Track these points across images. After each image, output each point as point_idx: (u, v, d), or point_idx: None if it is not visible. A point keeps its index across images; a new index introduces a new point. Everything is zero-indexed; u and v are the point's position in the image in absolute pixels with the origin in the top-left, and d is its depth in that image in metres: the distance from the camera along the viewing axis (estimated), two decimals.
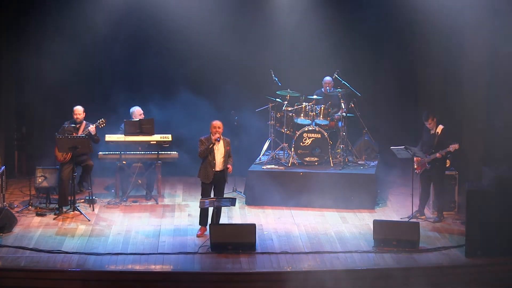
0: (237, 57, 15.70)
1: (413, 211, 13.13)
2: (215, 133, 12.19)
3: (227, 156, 12.32)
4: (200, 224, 12.37)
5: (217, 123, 12.28)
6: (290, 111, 14.62)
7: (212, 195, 12.45)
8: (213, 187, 12.41)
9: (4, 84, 15.32)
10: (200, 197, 12.33)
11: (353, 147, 14.95)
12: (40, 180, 13.79)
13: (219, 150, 12.28)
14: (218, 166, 12.28)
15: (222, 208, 12.87)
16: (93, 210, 13.59)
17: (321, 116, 14.49)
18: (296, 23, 15.65)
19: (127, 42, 15.56)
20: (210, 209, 12.32)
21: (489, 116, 13.96)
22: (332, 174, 14.01)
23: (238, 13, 15.56)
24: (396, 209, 13.80)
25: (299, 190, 13.87)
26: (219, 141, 12.20)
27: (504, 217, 11.35)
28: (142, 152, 14.20)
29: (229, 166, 12.37)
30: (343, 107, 14.51)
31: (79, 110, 13.60)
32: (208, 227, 12.00)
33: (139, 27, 15.51)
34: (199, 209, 12.31)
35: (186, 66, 15.79)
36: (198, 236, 12.21)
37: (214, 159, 12.24)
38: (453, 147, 12.68)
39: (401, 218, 13.05)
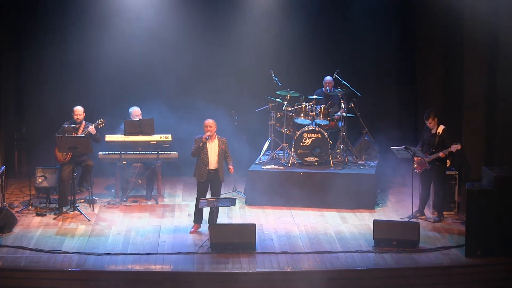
0: (237, 57, 15.71)
1: (413, 211, 13.13)
2: (207, 132, 12.24)
3: (221, 155, 12.36)
4: (194, 222, 12.49)
5: (208, 122, 12.35)
6: (290, 111, 14.62)
7: (208, 195, 12.50)
8: (209, 186, 12.46)
9: (4, 84, 15.32)
10: (196, 196, 12.44)
11: (353, 147, 14.95)
12: (40, 180, 13.79)
13: (213, 149, 12.35)
14: (212, 164, 12.34)
15: (223, 208, 12.91)
16: (93, 210, 13.60)
17: (321, 116, 14.48)
18: (296, 23, 15.64)
19: (127, 42, 15.56)
20: (205, 208, 12.37)
21: (489, 116, 13.93)
22: (332, 174, 14.01)
23: (238, 13, 15.55)
24: (396, 209, 13.80)
25: (299, 190, 13.87)
26: (208, 139, 12.23)
27: (504, 217, 11.35)
28: (142, 152, 14.20)
29: (230, 166, 12.43)
30: (343, 107, 14.51)
31: (79, 110, 13.61)
32: (208, 226, 12.03)
33: (139, 27, 15.50)
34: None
35: (187, 66, 15.79)
36: (191, 233, 12.34)
37: (207, 157, 12.30)
38: (455, 147, 12.68)
39: (401, 218, 13.05)
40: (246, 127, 15.05)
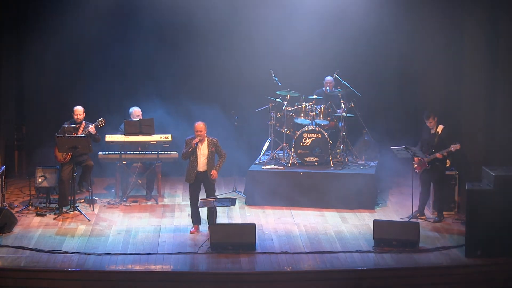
0: (237, 57, 15.71)
1: (413, 211, 13.13)
2: (197, 136, 12.24)
3: (211, 157, 12.35)
4: (193, 223, 12.51)
5: (198, 126, 12.28)
6: (290, 111, 14.62)
7: (202, 196, 12.49)
8: (202, 187, 12.48)
9: (4, 84, 15.32)
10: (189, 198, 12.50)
11: (353, 147, 14.95)
12: (40, 180, 13.79)
13: (202, 151, 12.33)
14: (201, 166, 12.35)
15: (223, 207, 12.90)
16: (93, 210, 13.60)
17: (321, 116, 14.48)
18: (296, 23, 15.64)
19: (128, 42, 15.57)
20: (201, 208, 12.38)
21: (489, 115, 13.94)
22: (332, 174, 14.01)
23: (238, 13, 15.56)
24: (396, 209, 13.80)
25: (299, 190, 13.87)
26: (197, 145, 12.23)
27: (504, 217, 11.33)
28: (142, 152, 14.20)
29: (213, 171, 12.35)
30: (343, 107, 14.50)
31: (79, 110, 13.61)
32: (207, 226, 12.04)
33: (140, 28, 15.51)
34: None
35: (187, 66, 15.80)
36: (191, 233, 12.36)
37: (196, 160, 12.31)
38: (454, 147, 12.68)
39: (401, 218, 13.06)
40: (246, 127, 15.05)
